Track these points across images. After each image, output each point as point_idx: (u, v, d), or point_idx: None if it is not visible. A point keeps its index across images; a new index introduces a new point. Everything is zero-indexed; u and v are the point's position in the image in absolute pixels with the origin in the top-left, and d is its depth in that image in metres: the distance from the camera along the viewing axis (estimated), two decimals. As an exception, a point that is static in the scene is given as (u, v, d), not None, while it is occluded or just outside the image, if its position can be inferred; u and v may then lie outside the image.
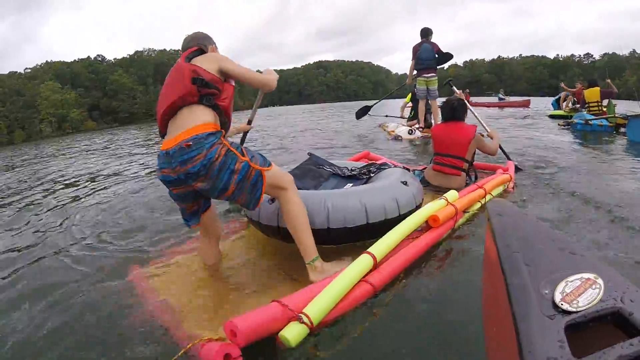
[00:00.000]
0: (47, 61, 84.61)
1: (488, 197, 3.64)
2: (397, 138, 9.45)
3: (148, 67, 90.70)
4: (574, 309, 0.93)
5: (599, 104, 10.72)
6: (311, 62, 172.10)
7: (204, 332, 1.90)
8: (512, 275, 1.05)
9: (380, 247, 2.38)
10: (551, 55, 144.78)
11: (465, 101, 4.59)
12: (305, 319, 1.80)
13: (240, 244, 3.20)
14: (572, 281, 0.99)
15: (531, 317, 0.92)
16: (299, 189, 2.59)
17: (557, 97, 16.20)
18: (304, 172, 3.50)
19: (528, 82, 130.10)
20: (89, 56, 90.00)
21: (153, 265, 2.82)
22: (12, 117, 66.59)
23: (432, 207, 2.93)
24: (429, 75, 9.24)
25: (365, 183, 3.43)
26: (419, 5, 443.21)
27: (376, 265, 2.28)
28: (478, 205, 3.51)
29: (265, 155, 2.43)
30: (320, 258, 2.42)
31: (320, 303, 1.91)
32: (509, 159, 5.25)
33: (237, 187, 2.22)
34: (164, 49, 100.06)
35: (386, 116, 13.40)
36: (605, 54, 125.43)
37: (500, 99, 29.36)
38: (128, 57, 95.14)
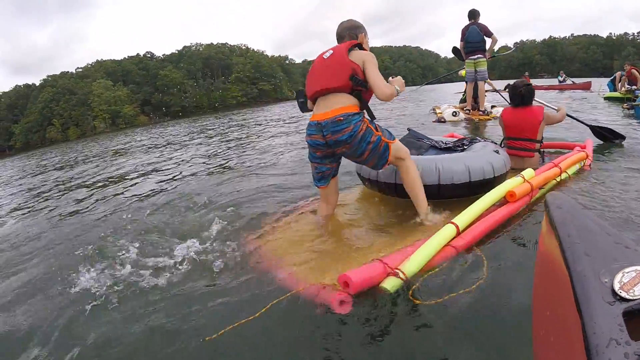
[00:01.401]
0: (97, 60, 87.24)
1: (564, 175, 3.75)
2: (440, 120, 9.54)
3: (197, 61, 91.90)
4: (632, 297, 0.97)
5: None
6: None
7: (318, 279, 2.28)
8: (575, 263, 1.10)
9: (463, 218, 2.64)
10: (604, 34, 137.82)
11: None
12: (401, 275, 2.13)
13: (349, 208, 3.69)
14: (628, 272, 1.03)
15: (594, 302, 0.98)
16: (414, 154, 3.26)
17: (611, 77, 15.69)
18: (407, 144, 3.80)
19: (582, 63, 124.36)
20: (138, 53, 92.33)
21: (269, 230, 3.29)
22: (66, 115, 68.98)
23: (510, 184, 3.10)
24: (477, 57, 9.23)
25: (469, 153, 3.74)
26: None
27: (459, 233, 2.53)
28: (554, 182, 3.62)
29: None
30: (430, 210, 2.99)
31: (413, 262, 2.22)
32: (586, 124, 5.28)
33: (370, 153, 2.84)
34: (211, 43, 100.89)
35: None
36: None
37: (560, 81, 28.07)
38: (177, 52, 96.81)
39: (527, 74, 31.42)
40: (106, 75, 78.44)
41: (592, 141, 5.00)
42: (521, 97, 4.38)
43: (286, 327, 2.01)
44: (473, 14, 9.27)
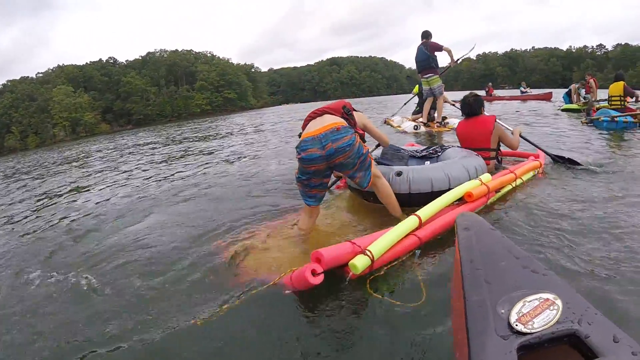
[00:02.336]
0: (59, 65, 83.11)
1: (519, 181, 4.07)
2: (405, 132, 9.90)
3: (161, 68, 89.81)
4: (529, 330, 0.96)
5: (621, 98, 10.62)
6: (324, 59, 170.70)
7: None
8: (472, 292, 1.10)
9: (425, 211, 2.91)
10: (564, 47, 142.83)
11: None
12: (368, 253, 2.35)
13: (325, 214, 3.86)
14: (530, 301, 1.03)
15: (485, 336, 0.97)
16: (393, 166, 3.81)
17: (567, 90, 16.43)
18: (391, 155, 4.30)
19: (542, 74, 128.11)
20: (100, 59, 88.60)
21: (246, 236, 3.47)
22: (25, 122, 66.74)
23: (468, 185, 3.39)
24: (427, 75, 9.78)
25: (436, 160, 4.37)
26: None
27: (421, 225, 2.81)
28: (509, 187, 3.93)
29: None
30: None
31: (379, 243, 2.46)
32: (540, 149, 5.42)
33: (359, 165, 3.10)
34: (176, 50, 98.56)
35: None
36: (618, 45, 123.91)
37: (522, 92, 29.13)
38: (140, 58, 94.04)
39: (490, 84, 32.24)
40: (67, 81, 75.26)
41: (543, 152, 5.27)
42: (469, 106, 4.62)
43: (264, 314, 2.25)
44: (424, 35, 9.76)
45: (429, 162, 4.42)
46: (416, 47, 9.82)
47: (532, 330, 0.96)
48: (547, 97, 23.22)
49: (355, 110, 3.43)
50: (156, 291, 2.60)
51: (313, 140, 2.94)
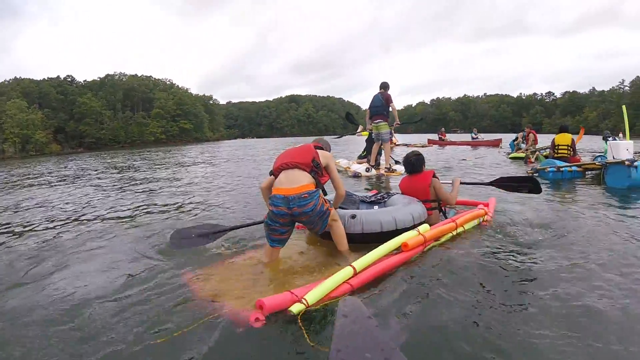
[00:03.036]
0: (16, 77, 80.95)
1: (460, 229, 4.42)
2: (356, 175, 10.35)
3: (118, 91, 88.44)
4: None
5: (568, 148, 11.07)
6: (283, 96, 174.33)
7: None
8: None
9: (361, 262, 3.20)
10: (515, 94, 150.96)
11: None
12: (304, 301, 2.65)
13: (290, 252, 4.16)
14: None
15: None
16: (347, 209, 4.39)
17: (514, 138, 17.37)
18: (345, 199, 4.62)
19: (492, 120, 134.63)
20: (58, 76, 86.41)
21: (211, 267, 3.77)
22: (-27, 135, 64.32)
23: (406, 236, 3.71)
24: (377, 121, 10.67)
25: (384, 205, 4.91)
26: (395, 43, 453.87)
27: (356, 273, 3.09)
28: (450, 235, 4.27)
29: None
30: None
31: (315, 292, 2.75)
32: (488, 184, 5.96)
33: (319, 219, 3.60)
34: (135, 74, 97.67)
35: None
36: (566, 92, 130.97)
37: (473, 137, 30.34)
38: (98, 79, 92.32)
39: (442, 129, 33.35)
40: (22, 95, 72.21)
41: (495, 200, 5.69)
42: (412, 165, 5.04)
43: (212, 341, 2.44)
44: (382, 85, 10.82)
45: (377, 206, 4.94)
46: (373, 90, 10.77)
47: None
48: (497, 143, 24.27)
49: (322, 149, 3.94)
50: (116, 316, 2.78)
51: (283, 200, 3.46)
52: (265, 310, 2.56)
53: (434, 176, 4.95)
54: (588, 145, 21.77)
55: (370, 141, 12.13)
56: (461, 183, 5.47)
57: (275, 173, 3.71)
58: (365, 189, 7.74)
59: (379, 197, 5.16)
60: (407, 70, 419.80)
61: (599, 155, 11.43)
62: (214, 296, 3.04)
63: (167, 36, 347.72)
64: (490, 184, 5.92)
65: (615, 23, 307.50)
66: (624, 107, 11.23)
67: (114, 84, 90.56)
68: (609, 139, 11.49)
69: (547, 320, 2.55)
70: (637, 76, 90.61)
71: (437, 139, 30.81)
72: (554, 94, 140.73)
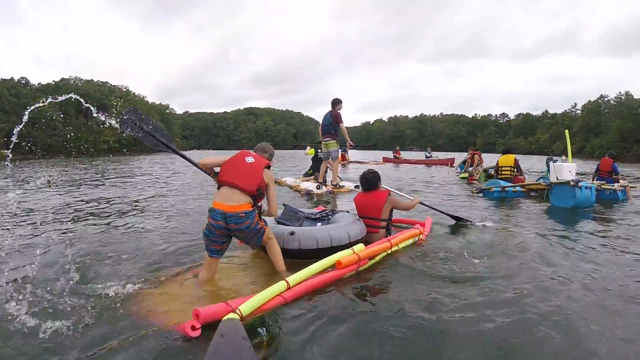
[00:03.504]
0: None
1: (395, 248, 4.82)
2: (308, 193, 10.63)
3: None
4: None
5: (511, 169, 11.71)
6: (242, 108, 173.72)
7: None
8: None
9: (295, 277, 3.51)
10: (470, 115, 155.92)
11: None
12: (238, 312, 2.83)
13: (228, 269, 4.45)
14: None
15: None
16: (289, 226, 4.75)
17: (463, 159, 18.07)
18: (289, 216, 5.26)
19: (447, 139, 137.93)
20: (12, 77, 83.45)
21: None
22: None
23: (340, 254, 4.03)
24: (326, 139, 11.05)
25: (327, 222, 5.26)
26: (356, 61, 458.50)
27: (289, 287, 3.40)
28: (384, 254, 4.64)
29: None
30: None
31: (249, 304, 2.98)
32: (439, 211, 6.57)
33: (254, 236, 3.90)
34: (91, 80, 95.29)
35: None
36: (520, 114, 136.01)
37: (427, 156, 31.12)
38: (53, 83, 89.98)
39: (397, 147, 34.06)
40: None
41: (431, 220, 6.19)
42: (368, 182, 5.38)
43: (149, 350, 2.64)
44: (332, 103, 11.08)
45: (320, 223, 5.29)
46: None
47: None
48: (450, 162, 25.01)
49: (269, 167, 4.13)
50: (52, 331, 2.87)
51: (222, 215, 3.74)
52: (200, 319, 2.74)
53: (389, 196, 5.31)
54: (538, 166, 22.73)
55: (316, 160, 12.76)
56: (420, 203, 5.98)
57: (220, 180, 3.94)
58: (313, 206, 7.99)
59: (323, 215, 5.50)
60: (367, 88, 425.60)
61: (542, 177, 12.03)
62: (153, 308, 3.26)
63: (127, 43, 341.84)
64: (445, 213, 6.55)
65: (571, 49, 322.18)
66: (566, 131, 11.96)
67: (69, 89, 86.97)
68: (551, 162, 12.16)
69: (464, 341, 2.84)
70: (589, 100, 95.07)
71: (393, 157, 31.40)
72: (508, 115, 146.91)
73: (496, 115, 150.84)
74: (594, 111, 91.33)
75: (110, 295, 3.52)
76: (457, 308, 3.33)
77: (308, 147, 13.64)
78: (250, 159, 4.02)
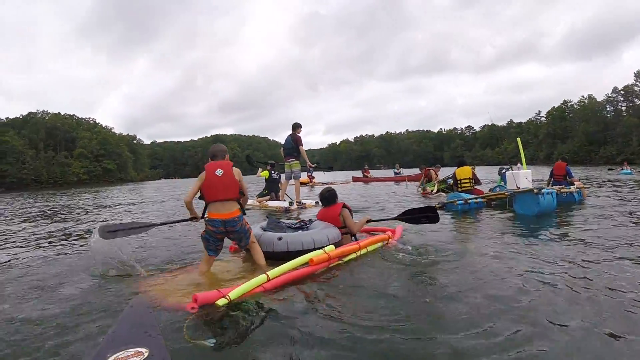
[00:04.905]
0: None
1: (363, 250, 5.39)
2: (287, 210, 11.30)
3: (41, 130, 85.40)
4: None
5: (470, 180, 11.82)
6: (209, 135, 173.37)
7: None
8: (104, 345, 1.70)
9: (274, 271, 4.16)
10: (436, 129, 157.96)
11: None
12: (228, 297, 3.55)
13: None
14: (128, 351, 1.58)
15: None
16: (274, 232, 5.51)
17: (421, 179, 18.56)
18: (274, 226, 6.02)
19: (415, 155, 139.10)
20: None
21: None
22: None
23: (313, 254, 4.68)
24: (290, 160, 12.11)
25: (307, 229, 5.89)
26: (320, 83, 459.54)
27: (269, 280, 4.03)
28: (353, 255, 5.24)
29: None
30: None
31: (236, 291, 3.66)
32: (396, 218, 6.73)
33: (244, 236, 4.85)
34: (58, 113, 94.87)
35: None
36: (485, 125, 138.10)
37: (395, 173, 31.69)
38: (21, 117, 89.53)
39: (366, 166, 34.38)
40: None
41: (401, 228, 6.68)
42: (326, 199, 6.19)
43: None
44: (293, 127, 12.14)
45: (301, 230, 5.95)
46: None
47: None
48: (418, 178, 25.32)
49: (234, 166, 4.81)
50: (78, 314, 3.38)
51: (221, 222, 4.63)
52: (198, 302, 3.36)
53: (344, 206, 6.02)
54: (490, 177, 23.05)
55: (270, 181, 13.81)
56: (368, 221, 6.46)
57: (208, 201, 4.69)
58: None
59: (302, 224, 6.25)
60: (333, 109, 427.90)
61: (497, 186, 12.53)
62: (163, 295, 3.94)
63: (93, 75, 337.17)
64: (395, 218, 6.75)
65: (532, 57, 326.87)
66: (518, 139, 12.44)
67: (37, 122, 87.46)
68: (503, 171, 12.61)
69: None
70: (553, 107, 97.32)
71: (362, 176, 31.79)
72: (473, 127, 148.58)
73: (462, 128, 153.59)
74: (559, 117, 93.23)
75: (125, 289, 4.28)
76: (413, 290, 3.96)
77: (260, 170, 14.29)
78: (219, 172, 4.67)
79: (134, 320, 2.00)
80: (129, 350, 1.61)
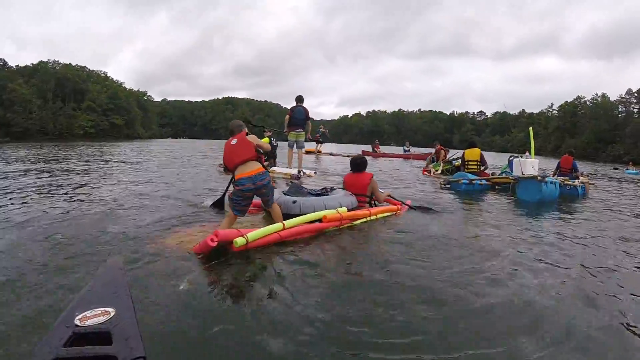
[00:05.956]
0: None
1: (373, 217, 5.65)
2: (297, 178, 11.13)
3: (50, 80, 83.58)
4: (82, 324, 1.61)
5: (478, 163, 11.72)
6: (220, 97, 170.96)
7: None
8: (78, 302, 1.79)
9: (290, 222, 4.46)
10: (448, 112, 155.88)
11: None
12: (246, 237, 3.80)
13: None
14: (96, 310, 1.67)
15: (60, 324, 1.63)
16: (292, 197, 5.63)
17: (431, 155, 18.22)
18: (295, 191, 6.06)
19: (425, 135, 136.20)
20: None
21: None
22: None
23: (327, 212, 4.94)
24: (299, 130, 12.29)
25: (328, 196, 5.94)
26: (339, 55, 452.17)
27: (284, 228, 4.29)
28: (363, 219, 5.49)
29: None
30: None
31: (254, 233, 3.92)
32: (403, 204, 6.76)
33: (269, 192, 4.86)
34: (69, 63, 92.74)
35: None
36: (497, 112, 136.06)
37: (405, 150, 31.26)
38: (31, 65, 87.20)
39: (376, 141, 34.20)
40: None
41: (410, 201, 6.90)
42: (357, 165, 6.31)
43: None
44: (300, 99, 12.35)
45: (323, 197, 5.99)
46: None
47: (84, 325, 1.63)
48: (423, 158, 25.14)
49: (249, 134, 5.01)
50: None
51: (249, 179, 4.65)
52: (219, 237, 3.55)
53: (372, 178, 6.19)
54: (499, 163, 22.93)
55: (273, 146, 13.80)
56: (389, 196, 6.67)
57: (231, 167, 4.85)
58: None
59: (324, 190, 6.36)
60: (348, 82, 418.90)
61: (503, 171, 12.57)
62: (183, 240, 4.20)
63: (109, 26, 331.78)
64: (409, 207, 6.78)
65: (552, 50, 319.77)
66: (530, 129, 12.53)
67: (47, 72, 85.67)
68: (512, 158, 12.63)
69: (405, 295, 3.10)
70: (566, 101, 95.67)
71: (371, 151, 31.52)
72: (485, 113, 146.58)
73: (474, 113, 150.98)
74: (570, 112, 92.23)
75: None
76: (407, 261, 3.92)
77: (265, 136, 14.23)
78: (234, 141, 4.89)
79: (105, 280, 2.06)
80: (96, 309, 1.70)
